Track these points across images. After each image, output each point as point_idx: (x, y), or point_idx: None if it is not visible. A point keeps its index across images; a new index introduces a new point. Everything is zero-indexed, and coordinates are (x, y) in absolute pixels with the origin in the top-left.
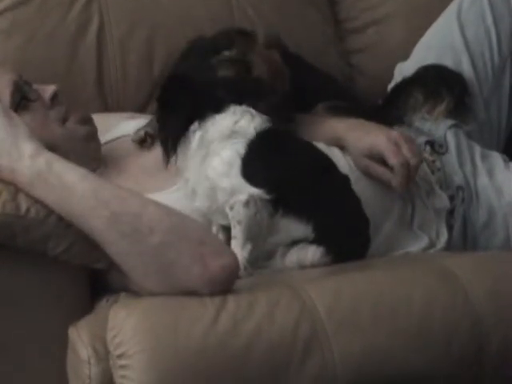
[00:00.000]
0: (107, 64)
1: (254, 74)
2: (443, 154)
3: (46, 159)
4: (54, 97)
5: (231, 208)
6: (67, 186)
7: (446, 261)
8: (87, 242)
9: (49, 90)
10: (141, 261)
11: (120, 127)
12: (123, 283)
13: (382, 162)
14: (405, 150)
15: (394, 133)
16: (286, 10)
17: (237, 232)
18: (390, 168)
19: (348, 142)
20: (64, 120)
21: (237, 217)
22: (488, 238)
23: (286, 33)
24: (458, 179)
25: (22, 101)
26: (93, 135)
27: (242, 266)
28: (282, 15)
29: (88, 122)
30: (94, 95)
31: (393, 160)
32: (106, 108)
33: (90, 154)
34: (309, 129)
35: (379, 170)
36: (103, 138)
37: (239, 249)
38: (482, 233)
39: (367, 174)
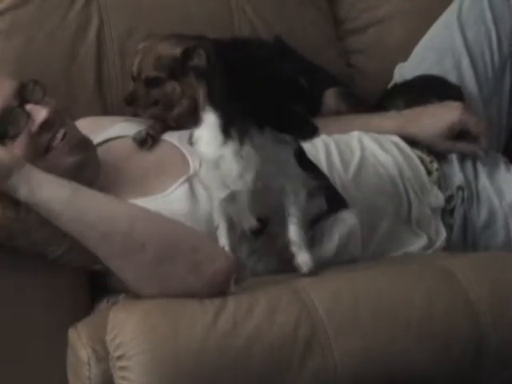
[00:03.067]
0: (107, 64)
1: None
2: (443, 158)
3: (29, 188)
4: (44, 123)
5: None
6: (52, 213)
7: (446, 261)
8: None
9: (41, 114)
10: (136, 274)
11: (116, 128)
12: (123, 284)
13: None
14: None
15: (457, 104)
16: (285, 11)
17: None
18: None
19: (416, 134)
20: (47, 150)
21: None
22: (488, 239)
23: (286, 33)
24: (458, 180)
25: (2, 135)
26: (83, 164)
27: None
28: (282, 15)
29: (81, 148)
30: (93, 95)
31: (478, 128)
32: (106, 108)
33: (82, 181)
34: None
35: (464, 146)
36: (103, 135)
37: None
38: (483, 233)
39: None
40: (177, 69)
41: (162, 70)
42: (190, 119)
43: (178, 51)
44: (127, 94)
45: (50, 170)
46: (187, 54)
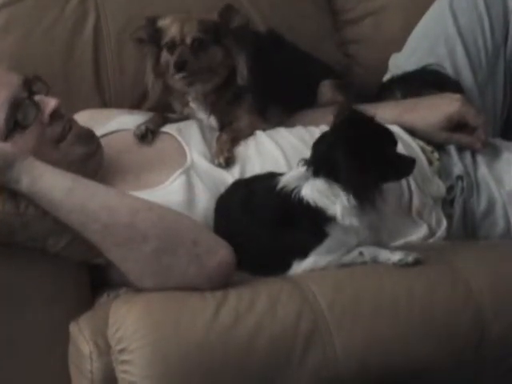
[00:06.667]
0: (104, 58)
1: None
2: (441, 149)
3: (31, 178)
4: (54, 113)
5: None
6: (54, 203)
7: (446, 251)
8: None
9: (50, 104)
10: (137, 265)
11: (119, 120)
12: (124, 278)
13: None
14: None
15: (457, 95)
16: (282, 2)
17: None
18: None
19: (414, 123)
20: (59, 140)
21: None
22: (488, 228)
23: (284, 24)
24: (457, 169)
25: (15, 127)
26: (91, 154)
27: None
28: (279, 7)
29: (88, 139)
30: (91, 90)
31: (477, 121)
32: (104, 102)
33: (87, 172)
34: None
35: (462, 138)
36: (102, 129)
37: None
38: (482, 222)
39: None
40: (219, 33)
41: (207, 33)
42: (224, 93)
43: (214, 16)
44: (176, 59)
45: (61, 160)
46: (225, 15)
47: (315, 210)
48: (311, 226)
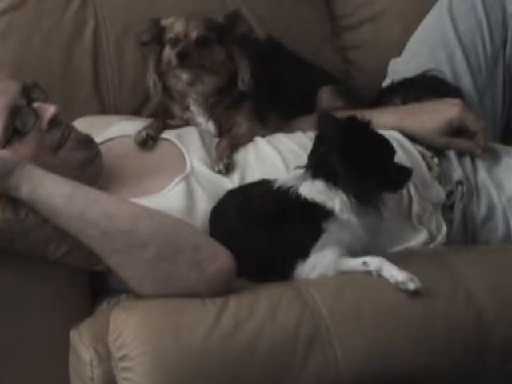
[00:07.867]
0: (103, 64)
1: None
2: (441, 154)
3: (31, 185)
4: (53, 119)
5: None
6: (54, 210)
7: (447, 256)
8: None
9: (49, 110)
10: (137, 272)
11: (118, 126)
12: (124, 285)
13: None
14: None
15: (457, 101)
16: (281, 9)
17: None
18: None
19: (414, 128)
20: (58, 147)
21: None
22: (488, 233)
23: (282, 31)
24: (457, 175)
25: (13, 134)
26: (90, 160)
27: None
28: (278, 13)
29: (87, 145)
30: (90, 96)
31: (477, 126)
32: (103, 108)
33: (87, 178)
34: None
35: (462, 143)
36: (102, 136)
37: None
38: (483, 227)
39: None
40: (223, 34)
41: (211, 32)
42: (224, 97)
43: (220, 18)
44: (179, 49)
45: (60, 166)
46: (232, 20)
47: (313, 205)
48: (308, 222)
